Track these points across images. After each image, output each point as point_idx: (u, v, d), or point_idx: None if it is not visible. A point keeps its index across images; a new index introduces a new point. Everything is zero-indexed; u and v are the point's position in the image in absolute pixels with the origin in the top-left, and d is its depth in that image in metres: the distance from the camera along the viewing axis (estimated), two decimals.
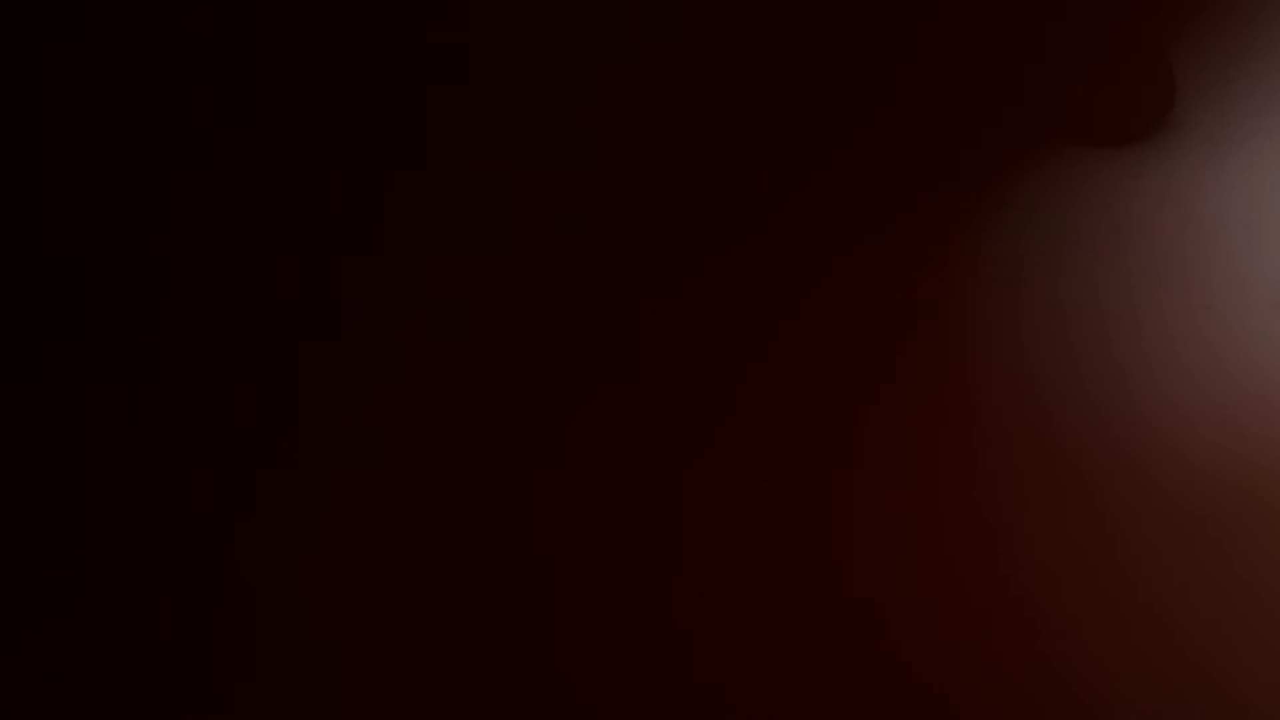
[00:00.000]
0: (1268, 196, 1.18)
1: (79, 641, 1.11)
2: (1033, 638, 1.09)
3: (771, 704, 1.10)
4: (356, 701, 1.10)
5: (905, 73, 1.19)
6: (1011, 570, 1.11)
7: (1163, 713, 1.08)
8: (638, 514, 1.11)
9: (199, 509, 1.12)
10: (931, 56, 1.20)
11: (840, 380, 1.14)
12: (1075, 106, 1.21)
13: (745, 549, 1.11)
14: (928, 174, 1.19)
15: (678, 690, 1.10)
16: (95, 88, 1.17)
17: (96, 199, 1.17)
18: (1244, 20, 1.23)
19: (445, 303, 1.15)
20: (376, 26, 1.18)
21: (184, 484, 1.12)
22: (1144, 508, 1.11)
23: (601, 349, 1.14)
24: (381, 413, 1.13)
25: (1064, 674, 1.09)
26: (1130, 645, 1.09)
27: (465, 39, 1.17)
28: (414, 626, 1.11)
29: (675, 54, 1.18)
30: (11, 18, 1.17)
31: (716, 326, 1.14)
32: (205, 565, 1.11)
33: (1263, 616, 1.09)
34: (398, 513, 1.12)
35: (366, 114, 1.18)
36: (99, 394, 1.13)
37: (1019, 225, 1.19)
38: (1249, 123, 1.21)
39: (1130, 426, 1.12)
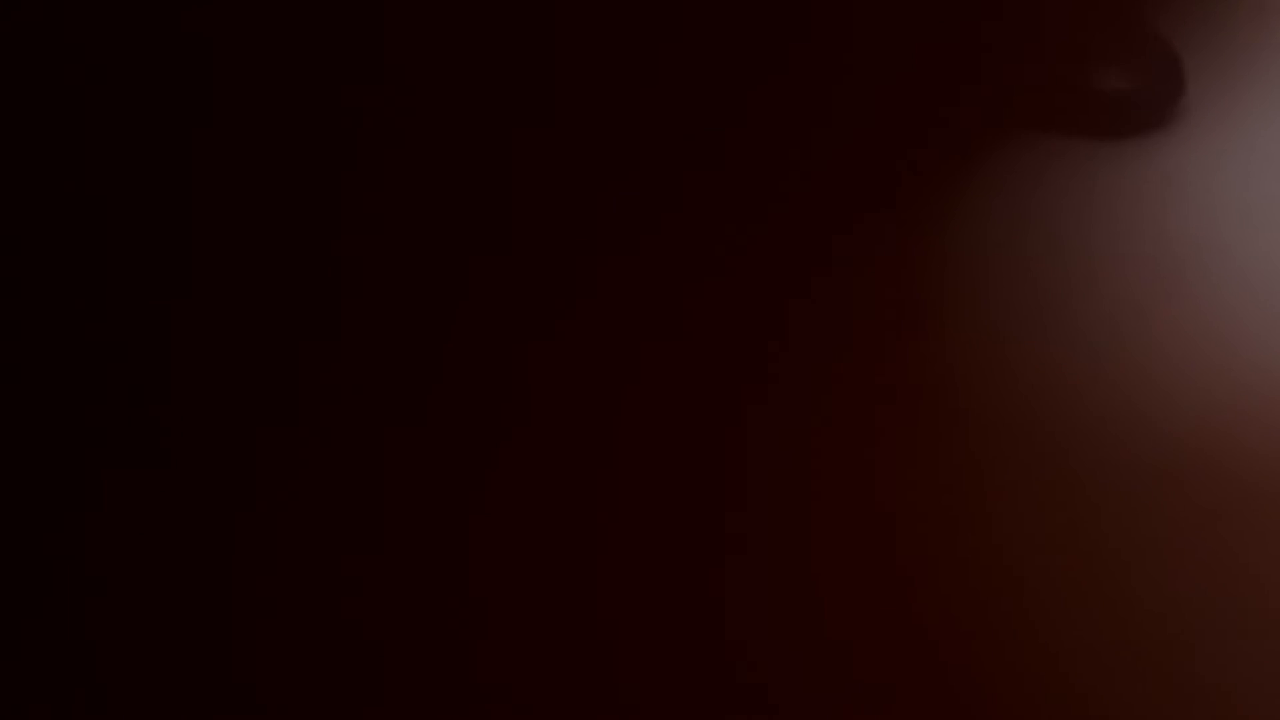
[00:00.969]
0: (1274, 185, 1.18)
1: (85, 642, 1.11)
2: (1030, 632, 1.09)
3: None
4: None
5: (899, 62, 1.18)
6: (1007, 561, 1.11)
7: (1165, 704, 1.08)
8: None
9: (200, 508, 1.13)
10: (928, 44, 1.20)
11: (825, 378, 1.14)
12: (1080, 96, 1.20)
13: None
14: (925, 165, 1.19)
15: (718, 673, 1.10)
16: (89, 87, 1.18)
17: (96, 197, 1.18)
18: (1251, 7, 1.22)
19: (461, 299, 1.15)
20: (371, 22, 1.18)
21: (185, 482, 1.14)
22: (1143, 497, 1.11)
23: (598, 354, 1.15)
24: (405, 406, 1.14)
25: (1069, 669, 1.09)
26: (1129, 637, 1.08)
27: (453, 34, 1.18)
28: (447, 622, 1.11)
29: (630, 51, 1.18)
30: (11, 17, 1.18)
31: (690, 336, 1.15)
32: (210, 565, 1.12)
33: (1266, 611, 1.09)
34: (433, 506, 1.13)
35: (370, 114, 1.19)
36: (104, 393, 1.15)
37: (1017, 217, 1.18)
38: (1257, 110, 1.20)
39: (1133, 419, 1.13)
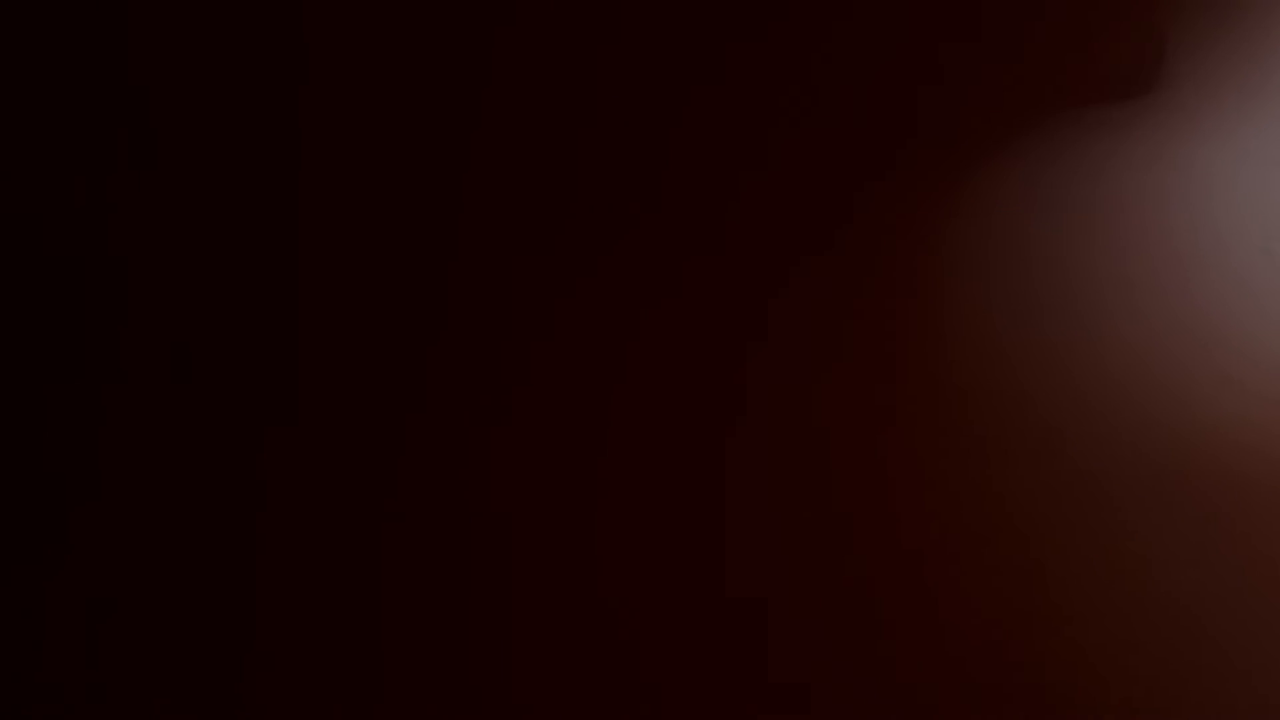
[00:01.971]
0: (1258, 153, 1.17)
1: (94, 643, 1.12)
2: (1032, 630, 1.09)
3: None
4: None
5: (891, 43, 1.17)
6: (1012, 550, 1.10)
7: (1169, 700, 1.08)
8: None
9: (205, 507, 1.13)
10: (920, 22, 1.18)
11: (813, 367, 1.14)
12: (1064, 66, 1.19)
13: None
14: (914, 137, 1.18)
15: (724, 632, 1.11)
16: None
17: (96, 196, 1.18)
18: None
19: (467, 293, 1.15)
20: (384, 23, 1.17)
21: (190, 481, 1.13)
22: (1146, 485, 1.11)
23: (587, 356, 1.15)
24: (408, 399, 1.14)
25: (1076, 665, 1.09)
26: (1136, 628, 1.09)
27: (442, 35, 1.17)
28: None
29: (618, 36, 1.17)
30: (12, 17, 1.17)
31: (685, 328, 1.14)
32: (219, 566, 1.13)
33: (1270, 601, 1.08)
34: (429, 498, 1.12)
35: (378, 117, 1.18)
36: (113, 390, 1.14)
37: (1003, 187, 1.17)
38: (1239, 79, 1.19)
39: (1119, 392, 1.12)
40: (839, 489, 1.11)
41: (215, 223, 1.15)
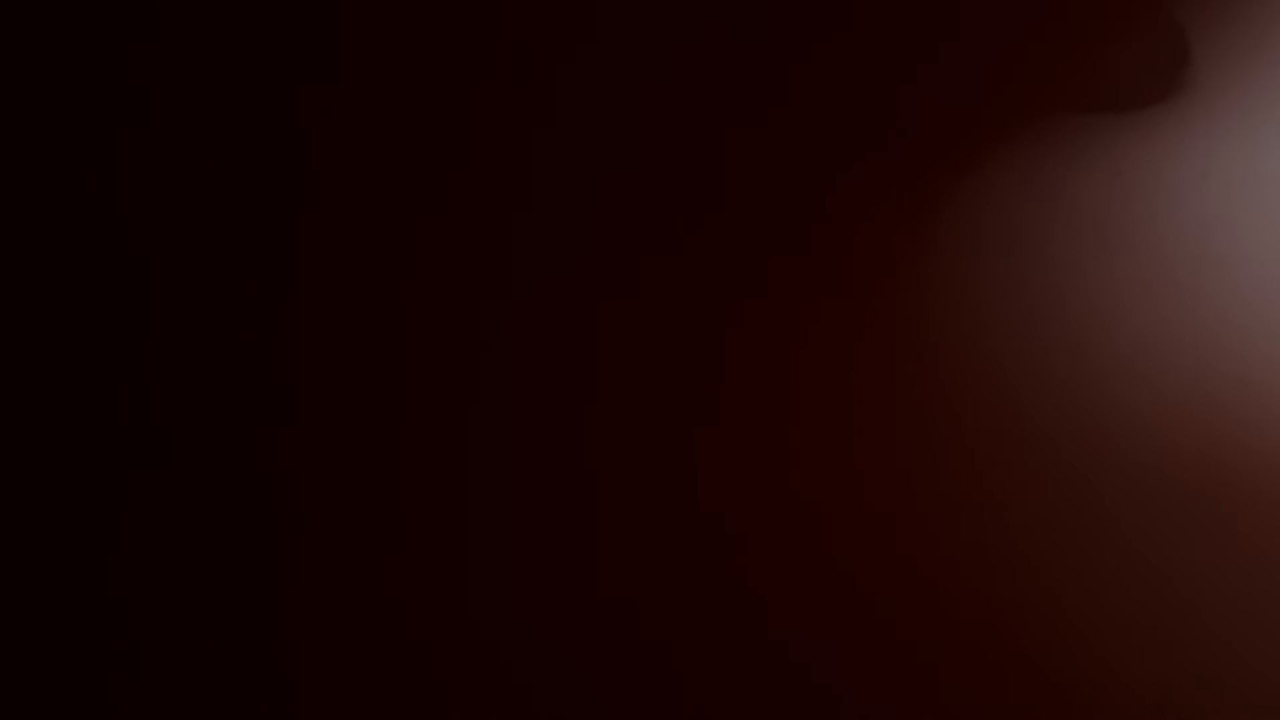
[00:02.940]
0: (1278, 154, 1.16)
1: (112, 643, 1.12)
2: (1021, 623, 1.09)
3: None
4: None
5: (900, 40, 1.16)
6: (1008, 555, 1.10)
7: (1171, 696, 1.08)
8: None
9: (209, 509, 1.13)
10: (931, 23, 1.17)
11: (809, 353, 1.13)
12: (1083, 70, 1.18)
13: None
14: (931, 139, 1.17)
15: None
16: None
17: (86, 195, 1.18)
18: None
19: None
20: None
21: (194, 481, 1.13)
22: (1138, 487, 1.11)
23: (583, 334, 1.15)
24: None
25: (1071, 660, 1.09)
26: (1116, 626, 1.09)
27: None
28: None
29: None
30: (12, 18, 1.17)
31: (685, 306, 1.14)
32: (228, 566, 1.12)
33: (1258, 599, 1.08)
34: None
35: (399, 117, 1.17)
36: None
37: (1021, 190, 1.17)
38: (1259, 80, 1.18)
39: (1140, 391, 1.12)
40: (830, 487, 1.11)
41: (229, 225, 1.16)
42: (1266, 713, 1.07)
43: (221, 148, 1.16)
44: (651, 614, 1.09)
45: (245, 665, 1.10)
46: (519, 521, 1.11)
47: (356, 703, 1.09)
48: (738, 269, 1.14)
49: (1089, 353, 1.12)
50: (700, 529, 1.10)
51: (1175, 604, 1.08)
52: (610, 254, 1.14)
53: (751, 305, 1.13)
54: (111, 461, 1.12)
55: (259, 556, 1.11)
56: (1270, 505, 1.08)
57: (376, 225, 1.15)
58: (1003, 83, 1.18)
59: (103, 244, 1.16)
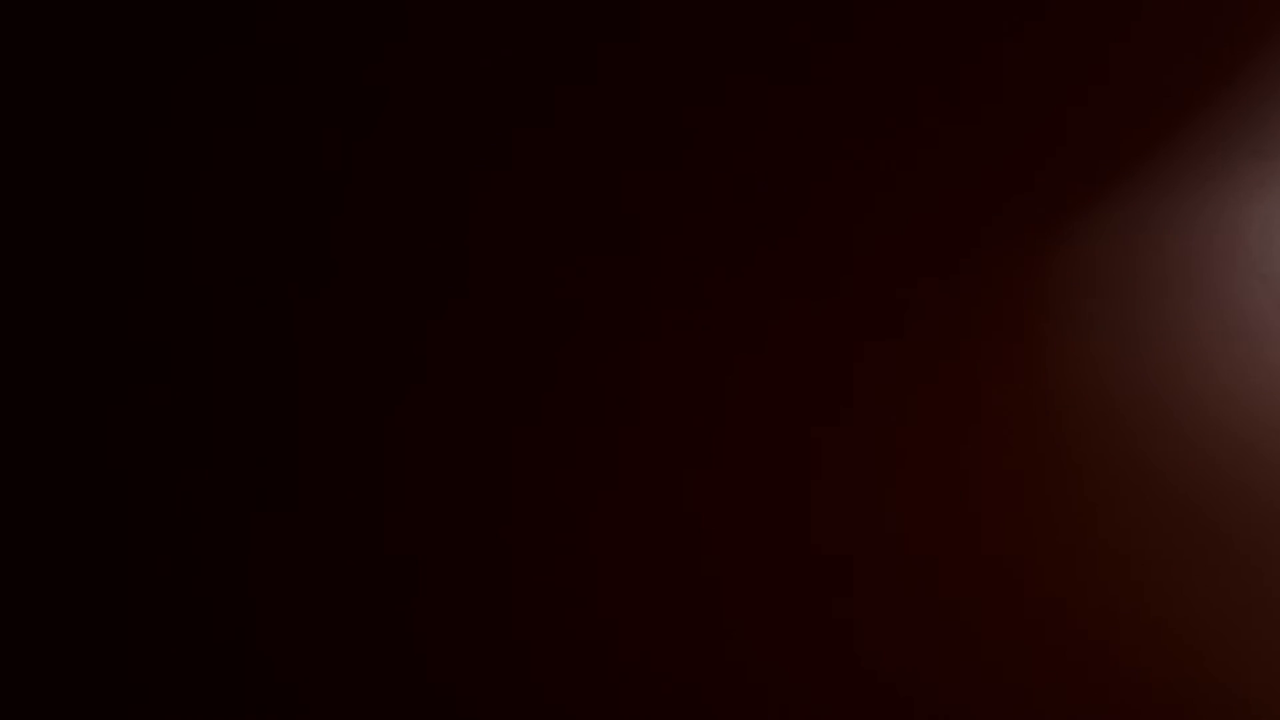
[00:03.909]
0: None
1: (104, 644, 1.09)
2: (1146, 663, 1.08)
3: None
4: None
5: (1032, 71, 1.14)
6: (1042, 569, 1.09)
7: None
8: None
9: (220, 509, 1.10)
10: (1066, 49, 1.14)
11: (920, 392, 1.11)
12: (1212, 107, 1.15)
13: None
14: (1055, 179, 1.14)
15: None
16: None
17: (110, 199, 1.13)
18: None
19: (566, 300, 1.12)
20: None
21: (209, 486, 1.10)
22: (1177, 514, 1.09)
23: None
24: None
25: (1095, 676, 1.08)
26: (1153, 648, 1.08)
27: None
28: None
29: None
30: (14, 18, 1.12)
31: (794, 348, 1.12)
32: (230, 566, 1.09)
33: None
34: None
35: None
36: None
37: (1110, 224, 1.14)
38: None
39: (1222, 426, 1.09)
40: (946, 532, 1.08)
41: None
42: None
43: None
44: (766, 656, 1.07)
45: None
46: (631, 559, 1.09)
47: None
48: (861, 321, 1.12)
49: (1196, 390, 1.11)
50: (813, 571, 1.08)
51: None
52: (736, 306, 1.12)
53: (874, 347, 1.11)
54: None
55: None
56: None
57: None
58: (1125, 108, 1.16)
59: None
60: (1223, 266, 1.10)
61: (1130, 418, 1.08)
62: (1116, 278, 1.10)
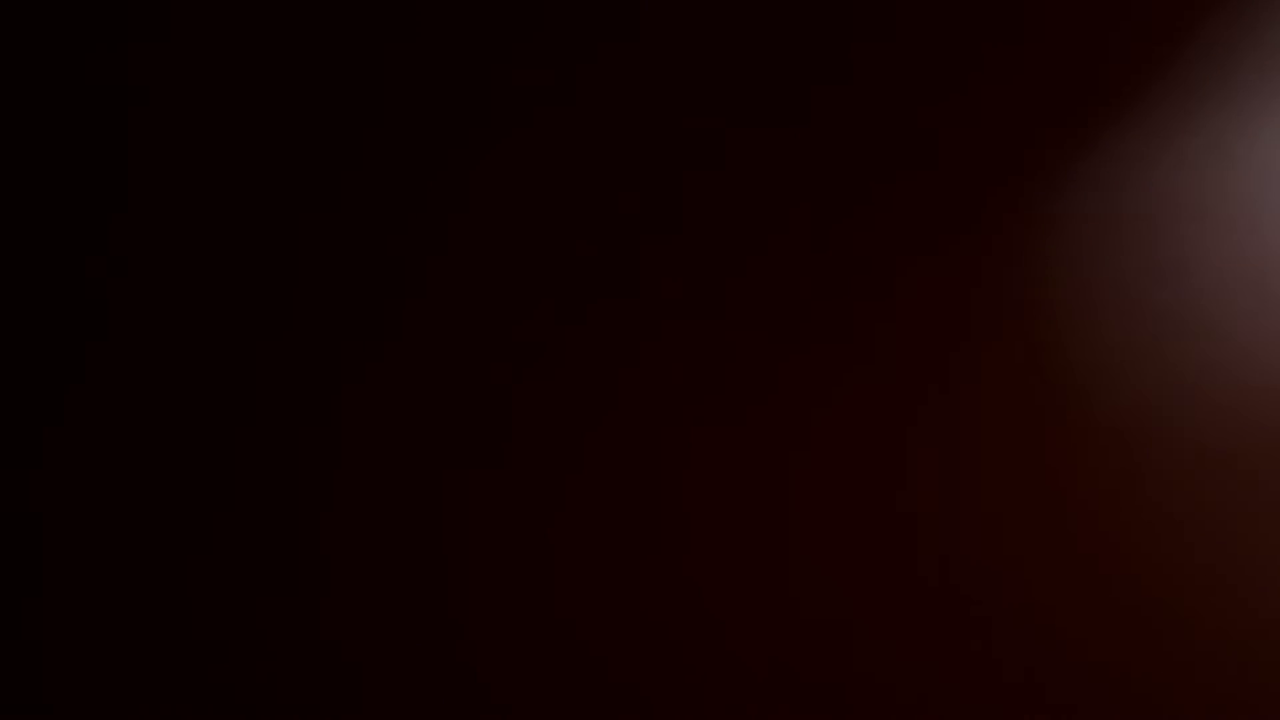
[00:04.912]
0: None
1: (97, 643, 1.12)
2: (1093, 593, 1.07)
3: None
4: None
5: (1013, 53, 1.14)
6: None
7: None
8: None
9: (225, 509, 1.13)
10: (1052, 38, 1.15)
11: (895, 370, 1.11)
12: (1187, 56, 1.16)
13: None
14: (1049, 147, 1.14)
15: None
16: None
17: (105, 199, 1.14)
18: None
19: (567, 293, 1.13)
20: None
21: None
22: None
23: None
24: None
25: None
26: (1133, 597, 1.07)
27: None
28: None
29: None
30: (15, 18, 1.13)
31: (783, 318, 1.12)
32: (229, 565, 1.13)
33: None
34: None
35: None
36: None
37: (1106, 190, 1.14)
38: None
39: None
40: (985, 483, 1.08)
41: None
42: None
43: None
44: (758, 656, 1.07)
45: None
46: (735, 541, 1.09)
47: None
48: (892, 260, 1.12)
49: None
50: (812, 570, 1.08)
51: None
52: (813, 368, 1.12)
53: (869, 340, 1.11)
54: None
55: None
56: None
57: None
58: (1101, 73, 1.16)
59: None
60: (1219, 232, 1.12)
61: (1135, 395, 1.09)
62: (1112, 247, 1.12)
